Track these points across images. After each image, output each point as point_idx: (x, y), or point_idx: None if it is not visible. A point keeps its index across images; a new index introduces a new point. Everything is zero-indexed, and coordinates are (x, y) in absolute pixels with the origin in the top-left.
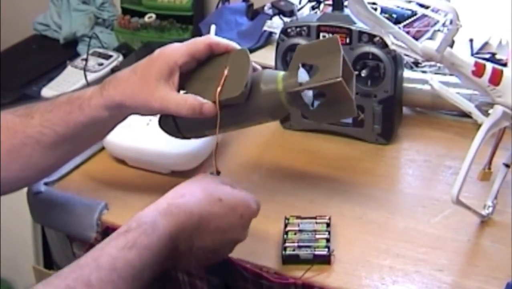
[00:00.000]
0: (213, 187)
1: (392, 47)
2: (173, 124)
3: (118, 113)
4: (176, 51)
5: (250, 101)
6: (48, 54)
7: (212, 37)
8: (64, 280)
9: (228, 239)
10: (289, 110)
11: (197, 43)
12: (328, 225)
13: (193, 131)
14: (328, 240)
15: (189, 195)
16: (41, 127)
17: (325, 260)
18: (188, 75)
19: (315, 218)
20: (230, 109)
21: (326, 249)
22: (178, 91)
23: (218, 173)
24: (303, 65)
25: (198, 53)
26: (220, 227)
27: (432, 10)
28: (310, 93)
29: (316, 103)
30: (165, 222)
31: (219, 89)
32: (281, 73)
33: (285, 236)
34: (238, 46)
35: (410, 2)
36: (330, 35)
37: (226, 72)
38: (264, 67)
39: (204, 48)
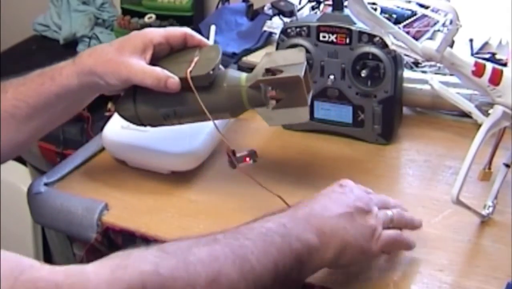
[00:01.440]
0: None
1: (392, 47)
2: (133, 108)
3: (88, 81)
4: (154, 31)
5: (213, 92)
6: (48, 55)
7: (188, 29)
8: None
9: (348, 203)
10: (248, 107)
11: (174, 30)
12: None
13: (150, 116)
14: None
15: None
16: (15, 100)
17: None
18: (160, 60)
19: None
20: (192, 97)
21: None
22: None
23: (233, 152)
24: (267, 71)
25: (173, 38)
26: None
27: (432, 10)
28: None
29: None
30: (291, 225)
31: (189, 68)
32: (245, 74)
33: None
34: (211, 44)
35: (410, 2)
36: (330, 35)
37: (196, 58)
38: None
39: (180, 36)
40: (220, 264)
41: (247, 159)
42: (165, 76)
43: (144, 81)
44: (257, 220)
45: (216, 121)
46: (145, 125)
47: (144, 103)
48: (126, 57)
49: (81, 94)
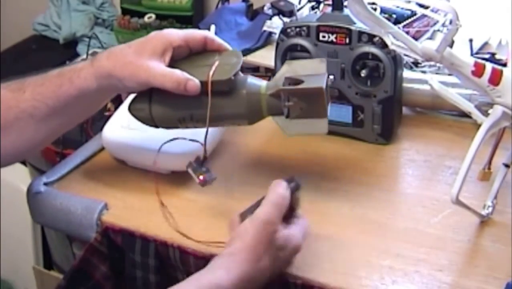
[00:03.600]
0: (275, 245)
1: (392, 47)
2: (148, 109)
3: (107, 84)
4: (173, 34)
5: (232, 98)
6: (48, 54)
7: (209, 33)
8: None
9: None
10: (266, 115)
11: (194, 33)
12: None
13: (165, 119)
14: None
15: (259, 265)
16: (33, 101)
17: None
18: (179, 62)
19: None
20: (211, 100)
21: None
22: None
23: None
24: (287, 80)
25: (193, 42)
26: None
27: (432, 10)
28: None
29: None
30: None
31: (211, 72)
32: (266, 82)
33: None
34: (230, 48)
35: (409, 2)
36: (330, 35)
37: (216, 63)
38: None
39: (200, 39)
40: None
41: (201, 178)
42: (185, 79)
43: (164, 85)
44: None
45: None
46: (158, 127)
47: (160, 105)
48: (145, 60)
49: (99, 96)
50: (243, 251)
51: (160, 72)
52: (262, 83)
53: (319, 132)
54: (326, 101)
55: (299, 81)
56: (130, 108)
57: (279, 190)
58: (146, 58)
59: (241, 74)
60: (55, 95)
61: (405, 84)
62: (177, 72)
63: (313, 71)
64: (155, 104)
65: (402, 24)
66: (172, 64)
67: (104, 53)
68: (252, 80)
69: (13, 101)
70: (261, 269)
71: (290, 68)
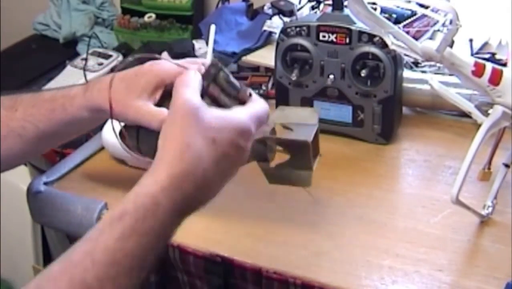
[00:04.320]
0: (204, 124)
1: (392, 47)
2: (135, 138)
3: (98, 115)
4: (167, 70)
5: None
6: (48, 54)
7: (204, 61)
8: (56, 283)
9: (232, 171)
10: (251, 160)
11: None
12: None
13: (151, 150)
14: None
15: (189, 152)
16: (24, 121)
17: None
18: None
19: None
20: None
21: None
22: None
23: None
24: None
25: None
26: (222, 169)
27: (432, 10)
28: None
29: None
30: (167, 201)
31: None
32: None
33: None
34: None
35: (410, 2)
36: (330, 34)
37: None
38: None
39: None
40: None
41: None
42: None
43: (151, 124)
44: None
45: None
46: (144, 156)
47: (147, 138)
48: (134, 99)
49: (91, 123)
50: (166, 147)
51: (148, 112)
52: None
53: (302, 185)
54: (313, 154)
55: (289, 129)
56: (119, 136)
57: (184, 76)
58: (136, 96)
59: None
60: (46, 119)
61: (405, 84)
62: (164, 112)
63: (304, 120)
64: (142, 138)
65: (402, 24)
66: (162, 99)
67: (96, 84)
68: None
69: (4, 119)
70: (195, 156)
71: (282, 114)
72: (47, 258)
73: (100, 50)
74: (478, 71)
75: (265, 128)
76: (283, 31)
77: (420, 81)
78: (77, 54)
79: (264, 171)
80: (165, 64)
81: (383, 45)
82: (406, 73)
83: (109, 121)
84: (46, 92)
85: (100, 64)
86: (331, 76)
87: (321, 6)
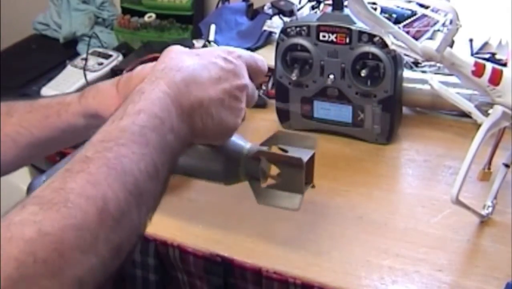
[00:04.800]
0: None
1: (392, 47)
2: None
3: (94, 122)
4: None
5: (212, 151)
6: (48, 54)
7: None
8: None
9: (227, 87)
10: (243, 177)
11: None
12: None
13: None
14: None
15: (172, 60)
16: (19, 127)
17: None
18: None
19: None
20: (188, 152)
21: None
22: None
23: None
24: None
25: None
26: (212, 76)
27: (432, 10)
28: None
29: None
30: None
31: None
32: (250, 144)
33: None
34: None
35: (410, 2)
36: (330, 34)
37: None
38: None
39: None
40: (103, 190)
41: None
42: None
43: None
44: (127, 107)
45: None
46: None
47: None
48: None
49: (87, 131)
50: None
51: None
52: (246, 144)
53: (290, 208)
54: (306, 178)
55: (284, 150)
56: None
57: None
58: None
59: None
60: (41, 125)
61: (405, 84)
62: None
63: (303, 146)
64: None
65: (402, 24)
66: None
67: (91, 91)
68: (236, 139)
69: None
70: (178, 60)
71: (280, 137)
72: None
73: (100, 50)
74: (478, 71)
75: (260, 148)
76: (283, 31)
77: (420, 81)
78: (77, 54)
79: (253, 190)
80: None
81: (383, 45)
82: (406, 73)
83: None
84: (42, 99)
85: (100, 64)
86: (331, 76)
87: (321, 6)
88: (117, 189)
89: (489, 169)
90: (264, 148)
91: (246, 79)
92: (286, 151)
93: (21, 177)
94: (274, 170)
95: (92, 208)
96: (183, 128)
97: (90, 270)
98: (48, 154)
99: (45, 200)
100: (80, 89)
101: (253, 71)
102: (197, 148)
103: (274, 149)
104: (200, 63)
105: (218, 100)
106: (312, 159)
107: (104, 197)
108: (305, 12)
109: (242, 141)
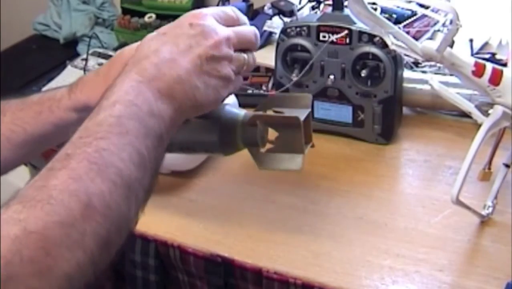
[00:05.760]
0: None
1: (392, 47)
2: None
3: (86, 115)
4: (132, 50)
5: (207, 123)
6: (48, 54)
7: None
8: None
9: (201, 52)
10: (241, 145)
11: None
12: None
13: None
14: None
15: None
16: (12, 124)
17: None
18: None
19: None
20: (183, 127)
21: None
22: None
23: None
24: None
25: None
26: (180, 48)
27: (432, 10)
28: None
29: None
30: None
31: None
32: (244, 111)
33: None
34: None
35: (410, 2)
36: (330, 35)
37: None
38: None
39: None
40: (85, 185)
41: None
42: None
43: None
44: (102, 102)
45: None
46: None
47: None
48: None
49: (80, 124)
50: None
51: None
52: (241, 112)
53: (293, 169)
54: (304, 137)
55: (280, 112)
56: None
57: None
58: None
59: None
60: (34, 122)
61: (405, 84)
62: None
63: (298, 106)
64: None
65: (403, 24)
66: None
67: (78, 84)
68: (230, 108)
69: None
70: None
71: (275, 100)
72: None
73: (100, 50)
74: (478, 71)
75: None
76: (283, 31)
77: (420, 81)
78: (77, 55)
79: (254, 157)
80: (131, 47)
81: (383, 45)
82: (406, 73)
83: None
84: (32, 96)
85: (101, 64)
86: (331, 77)
87: (321, 6)
88: (100, 182)
89: (489, 169)
90: (259, 113)
91: (220, 34)
92: (281, 113)
93: (21, 177)
94: (271, 135)
95: (76, 203)
96: (166, 109)
97: (79, 266)
98: (44, 150)
99: (28, 198)
100: None
101: (227, 22)
102: (190, 122)
103: (269, 112)
104: (166, 41)
105: (196, 68)
106: (308, 117)
107: (87, 191)
108: (305, 12)
109: (236, 109)
